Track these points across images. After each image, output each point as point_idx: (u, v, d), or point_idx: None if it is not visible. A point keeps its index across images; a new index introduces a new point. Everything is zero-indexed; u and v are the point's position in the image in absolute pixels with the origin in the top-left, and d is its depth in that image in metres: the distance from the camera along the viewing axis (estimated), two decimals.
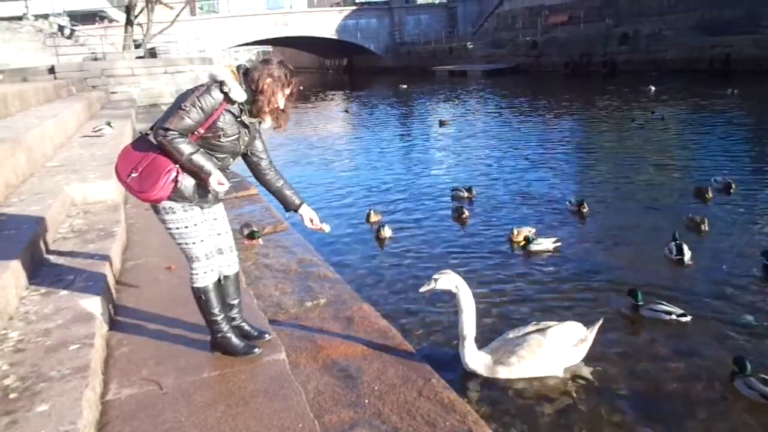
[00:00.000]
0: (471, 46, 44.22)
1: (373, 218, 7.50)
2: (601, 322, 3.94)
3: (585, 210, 7.38)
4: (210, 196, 2.81)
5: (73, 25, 28.13)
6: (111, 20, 43.17)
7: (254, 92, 2.66)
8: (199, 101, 2.57)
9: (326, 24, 51.50)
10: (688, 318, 4.41)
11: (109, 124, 9.29)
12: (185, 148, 2.57)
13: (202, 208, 2.82)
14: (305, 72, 61.66)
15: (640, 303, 4.62)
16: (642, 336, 4.39)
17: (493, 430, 3.11)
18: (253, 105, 2.69)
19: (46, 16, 28.18)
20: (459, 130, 15.89)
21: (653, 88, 21.21)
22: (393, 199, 8.88)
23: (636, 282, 5.06)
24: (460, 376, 3.68)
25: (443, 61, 44.17)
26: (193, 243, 2.78)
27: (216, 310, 2.91)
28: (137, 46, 25.47)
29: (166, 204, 2.70)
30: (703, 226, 6.41)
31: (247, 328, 3.14)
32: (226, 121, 2.65)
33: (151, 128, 2.66)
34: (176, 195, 2.67)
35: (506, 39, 41.62)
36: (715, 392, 3.62)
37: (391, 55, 52.91)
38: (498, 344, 3.80)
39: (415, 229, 7.31)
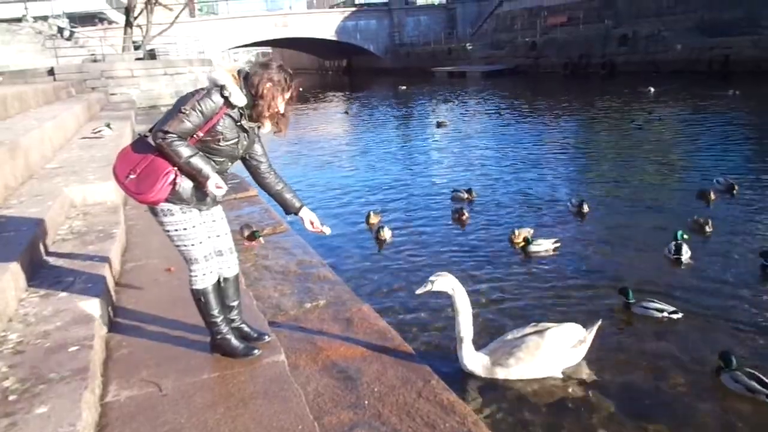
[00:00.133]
0: (470, 47, 44.25)
1: (373, 219, 7.50)
2: (599, 323, 3.95)
3: (585, 210, 7.38)
4: (208, 198, 2.81)
5: (72, 27, 28.13)
6: (110, 22, 43.25)
7: (254, 97, 2.66)
8: (200, 105, 2.58)
9: (326, 25, 51.56)
10: (680, 315, 4.46)
11: (108, 125, 9.30)
12: (184, 151, 2.57)
13: (200, 210, 2.82)
14: (305, 73, 61.72)
15: (631, 301, 4.67)
16: (635, 334, 4.43)
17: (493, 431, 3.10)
18: (253, 109, 2.69)
19: (45, 18, 28.24)
20: (458, 131, 15.90)
21: (652, 89, 21.22)
22: (392, 201, 8.88)
23: (635, 281, 5.08)
24: (459, 378, 3.69)
25: (442, 62, 44.21)
26: (192, 245, 2.77)
27: (215, 312, 2.91)
28: (137, 48, 25.47)
29: (164, 206, 2.69)
30: (707, 228, 6.41)
31: (246, 329, 3.14)
32: (225, 125, 2.65)
33: (150, 130, 2.66)
34: (174, 197, 2.67)
35: (505, 40, 41.67)
36: (705, 387, 3.67)
37: (391, 56, 52.98)
38: (496, 345, 3.81)
39: (414, 230, 7.31)
